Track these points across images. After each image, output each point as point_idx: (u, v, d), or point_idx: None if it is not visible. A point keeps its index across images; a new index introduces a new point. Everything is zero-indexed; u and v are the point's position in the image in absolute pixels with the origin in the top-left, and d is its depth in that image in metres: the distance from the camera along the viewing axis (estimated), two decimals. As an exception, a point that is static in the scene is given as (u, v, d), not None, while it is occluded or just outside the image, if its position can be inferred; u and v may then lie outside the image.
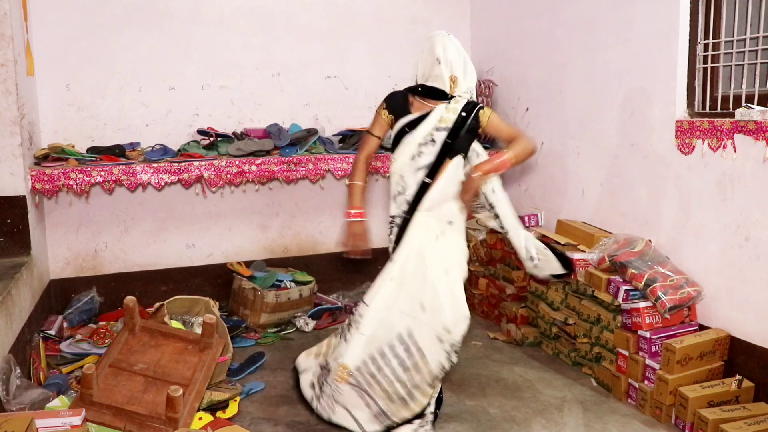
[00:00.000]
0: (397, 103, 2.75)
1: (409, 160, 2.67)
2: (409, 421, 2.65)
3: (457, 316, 2.59)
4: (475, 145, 2.77)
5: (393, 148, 2.74)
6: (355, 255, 2.77)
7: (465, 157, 2.72)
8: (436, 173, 2.65)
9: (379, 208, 4.57)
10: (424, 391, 2.62)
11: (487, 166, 2.60)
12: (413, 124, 2.67)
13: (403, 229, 2.69)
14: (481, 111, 2.68)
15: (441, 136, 2.65)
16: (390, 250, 2.75)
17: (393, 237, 2.74)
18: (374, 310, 2.62)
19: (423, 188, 2.66)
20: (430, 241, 2.65)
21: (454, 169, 2.67)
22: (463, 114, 2.65)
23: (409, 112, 2.71)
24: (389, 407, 2.61)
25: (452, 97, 2.67)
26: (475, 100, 2.74)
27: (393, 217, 2.75)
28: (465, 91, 2.69)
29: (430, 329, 2.59)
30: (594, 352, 3.24)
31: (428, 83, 2.66)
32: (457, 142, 2.66)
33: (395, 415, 2.62)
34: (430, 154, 2.65)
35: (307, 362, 2.84)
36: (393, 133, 2.75)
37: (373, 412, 2.64)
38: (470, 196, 2.63)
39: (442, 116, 2.65)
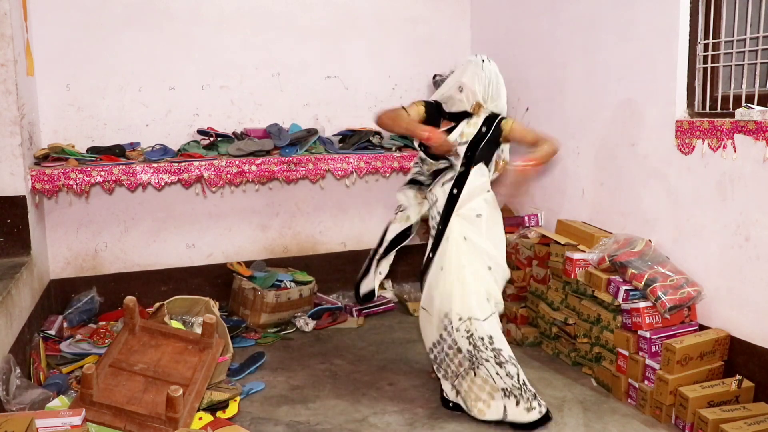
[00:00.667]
0: (433, 111, 2.98)
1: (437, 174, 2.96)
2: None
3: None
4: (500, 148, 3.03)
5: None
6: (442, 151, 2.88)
7: (488, 164, 2.98)
8: (463, 183, 2.89)
9: (379, 207, 4.59)
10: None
11: (536, 158, 2.80)
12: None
13: (438, 237, 2.92)
14: (503, 122, 2.94)
15: (462, 150, 2.89)
16: (427, 258, 2.98)
17: (430, 245, 2.97)
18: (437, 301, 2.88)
19: (451, 199, 2.90)
20: (468, 237, 2.87)
21: (478, 174, 2.91)
22: (484, 129, 2.91)
23: (438, 125, 2.96)
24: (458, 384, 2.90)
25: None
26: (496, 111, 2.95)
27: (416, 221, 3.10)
28: (491, 110, 2.95)
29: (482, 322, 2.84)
30: (594, 352, 3.24)
31: (447, 104, 2.96)
32: (478, 153, 2.90)
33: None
34: (455, 169, 2.90)
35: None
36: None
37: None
38: (521, 187, 2.90)
39: (463, 131, 2.92)
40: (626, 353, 3.00)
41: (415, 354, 3.63)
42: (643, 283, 2.95)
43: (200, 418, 2.68)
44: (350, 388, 3.22)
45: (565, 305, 3.46)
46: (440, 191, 2.93)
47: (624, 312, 3.02)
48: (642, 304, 2.94)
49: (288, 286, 4.08)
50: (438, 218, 2.93)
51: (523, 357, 3.57)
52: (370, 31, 4.53)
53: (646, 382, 2.93)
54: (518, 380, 2.78)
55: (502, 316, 3.88)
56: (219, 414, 2.82)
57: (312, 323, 4.04)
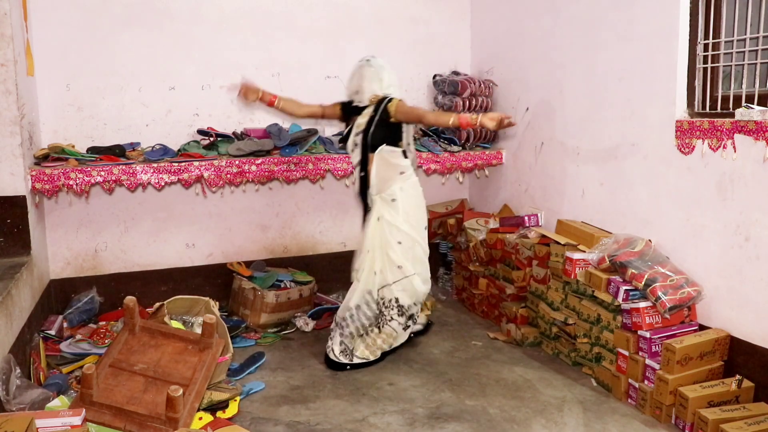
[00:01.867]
0: (347, 111, 3.52)
1: (354, 162, 3.46)
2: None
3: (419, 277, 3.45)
4: (408, 137, 3.47)
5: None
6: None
7: (394, 144, 3.37)
8: (366, 168, 3.37)
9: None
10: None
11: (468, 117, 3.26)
12: (347, 136, 3.45)
13: (365, 211, 3.47)
14: (388, 104, 3.32)
15: (359, 139, 3.37)
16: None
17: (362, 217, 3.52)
18: (362, 271, 3.42)
19: (363, 180, 3.41)
20: (385, 217, 3.36)
21: (381, 159, 3.34)
22: (373, 113, 3.33)
23: (348, 122, 3.48)
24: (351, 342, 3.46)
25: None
26: (390, 95, 3.37)
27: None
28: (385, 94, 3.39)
29: (391, 286, 3.41)
30: (594, 352, 3.24)
31: (356, 99, 3.43)
32: (371, 137, 3.32)
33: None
34: (357, 155, 3.41)
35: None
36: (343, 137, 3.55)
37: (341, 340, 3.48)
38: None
39: (358, 122, 3.37)
40: (626, 353, 3.00)
41: (415, 354, 3.63)
42: (643, 283, 2.95)
43: (200, 418, 2.68)
44: (350, 388, 3.22)
45: (565, 305, 3.46)
46: (356, 173, 3.48)
47: (624, 312, 3.02)
48: (642, 304, 2.94)
49: (288, 286, 4.08)
50: (359, 196, 3.49)
51: (523, 357, 3.57)
52: (370, 31, 4.53)
53: (646, 382, 2.93)
54: (415, 319, 3.56)
55: (501, 316, 3.87)
56: (219, 414, 2.82)
57: (312, 323, 4.04)
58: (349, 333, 3.44)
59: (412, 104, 3.56)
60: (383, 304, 3.43)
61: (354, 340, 3.45)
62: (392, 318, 3.43)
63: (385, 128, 3.34)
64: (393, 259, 3.36)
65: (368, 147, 3.35)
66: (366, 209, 3.46)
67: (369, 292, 3.42)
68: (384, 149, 3.35)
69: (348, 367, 3.40)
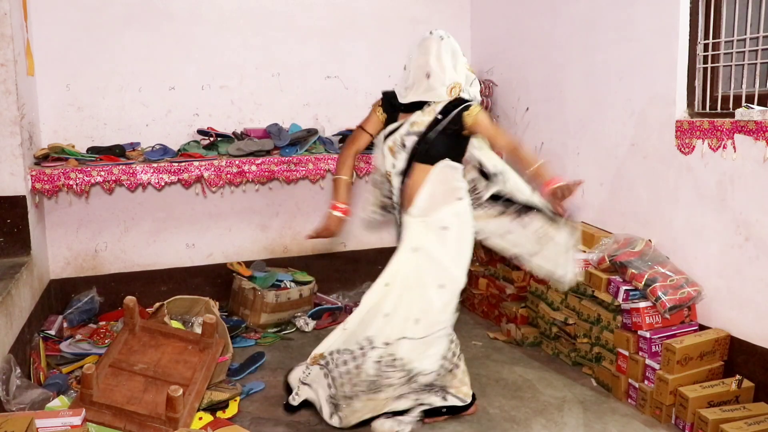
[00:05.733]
0: (389, 111, 2.70)
1: (390, 165, 2.67)
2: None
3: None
4: (479, 154, 2.71)
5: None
6: (317, 237, 2.75)
7: (457, 159, 2.63)
8: (407, 178, 2.61)
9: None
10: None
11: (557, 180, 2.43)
12: (394, 131, 2.64)
13: (398, 233, 2.73)
14: (465, 112, 2.53)
15: (411, 140, 2.57)
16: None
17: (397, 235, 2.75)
18: (363, 309, 2.59)
19: (402, 193, 2.66)
20: (426, 249, 2.57)
21: (440, 175, 2.57)
22: (439, 116, 2.54)
23: (396, 119, 2.67)
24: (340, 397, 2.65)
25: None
26: (465, 97, 2.60)
27: (376, 213, 2.90)
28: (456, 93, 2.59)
29: (416, 341, 2.58)
30: (594, 352, 3.24)
31: (416, 96, 2.57)
32: (430, 146, 2.55)
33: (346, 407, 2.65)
34: (402, 160, 2.61)
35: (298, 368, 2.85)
36: (382, 136, 2.71)
37: (329, 394, 2.67)
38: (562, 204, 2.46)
39: (416, 120, 2.58)
40: (626, 353, 3.00)
41: (415, 354, 3.62)
42: (643, 283, 2.95)
43: (200, 418, 2.68)
44: (350, 388, 3.21)
45: (565, 305, 3.46)
46: (395, 180, 2.67)
47: (624, 312, 3.02)
48: (642, 304, 2.94)
49: (288, 286, 4.08)
50: (397, 211, 2.73)
51: (523, 357, 3.57)
52: (370, 31, 4.53)
53: (646, 382, 2.93)
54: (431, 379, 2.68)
55: (501, 316, 3.86)
56: (219, 414, 2.82)
57: (312, 323, 4.04)
58: (327, 384, 2.68)
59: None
60: (385, 362, 2.57)
61: (338, 398, 2.64)
62: (391, 384, 2.60)
63: (450, 138, 2.55)
64: (429, 307, 2.54)
65: (421, 155, 2.56)
66: (399, 231, 2.71)
67: (368, 338, 2.58)
68: (448, 164, 2.57)
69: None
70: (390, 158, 2.64)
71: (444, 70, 2.53)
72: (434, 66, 2.53)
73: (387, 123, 2.69)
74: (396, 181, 2.66)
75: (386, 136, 2.66)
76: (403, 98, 2.61)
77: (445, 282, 2.58)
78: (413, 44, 2.63)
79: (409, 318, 2.55)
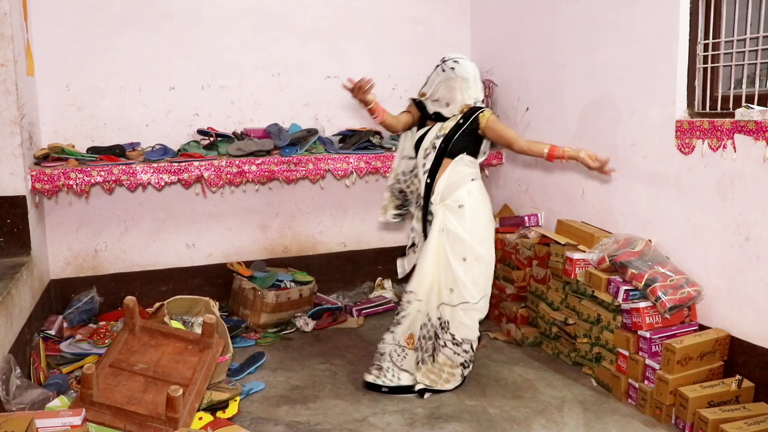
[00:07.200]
0: (421, 109, 3.21)
1: (421, 166, 3.14)
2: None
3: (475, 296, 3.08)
4: (486, 149, 3.19)
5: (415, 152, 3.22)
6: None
7: (472, 154, 3.11)
8: (436, 174, 3.08)
9: (379, 207, 4.57)
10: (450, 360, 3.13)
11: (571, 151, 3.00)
12: (423, 137, 3.14)
13: (424, 221, 3.16)
14: (480, 114, 3.07)
15: (439, 143, 3.09)
16: (416, 241, 3.24)
17: (418, 228, 3.22)
18: (418, 290, 3.08)
19: (427, 188, 3.11)
20: (448, 228, 3.03)
21: (459, 164, 3.07)
22: (461, 121, 3.07)
23: (425, 123, 3.18)
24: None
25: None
26: (479, 105, 3.11)
27: (403, 213, 3.36)
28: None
29: (454, 308, 3.06)
30: (594, 352, 3.24)
31: (441, 108, 3.11)
32: (452, 144, 3.06)
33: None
34: (431, 160, 3.10)
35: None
36: (413, 141, 3.20)
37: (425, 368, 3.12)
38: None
39: (444, 125, 3.10)
40: (626, 353, 3.00)
41: (415, 354, 3.63)
42: (643, 283, 2.95)
43: (200, 418, 2.68)
44: (350, 388, 3.22)
45: (565, 305, 3.46)
46: (422, 179, 3.14)
47: (624, 312, 3.02)
48: (642, 304, 2.94)
49: (288, 286, 4.08)
50: (420, 204, 3.18)
51: (523, 357, 3.57)
52: (370, 31, 4.53)
53: (646, 382, 2.93)
54: (468, 362, 3.16)
55: (501, 316, 3.88)
56: (219, 414, 2.82)
57: (312, 323, 4.04)
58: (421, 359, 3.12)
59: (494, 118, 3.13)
60: (440, 325, 3.09)
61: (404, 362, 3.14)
62: (445, 344, 3.09)
63: (469, 137, 3.07)
64: (456, 278, 3.02)
65: (447, 153, 3.06)
66: (425, 223, 3.14)
67: (428, 312, 3.10)
68: (465, 158, 3.08)
69: (384, 389, 3.12)
70: (422, 160, 3.13)
71: (458, 102, 3.10)
72: (454, 98, 3.09)
73: (417, 122, 3.22)
74: (424, 180, 3.12)
75: (419, 140, 3.15)
76: (431, 110, 3.16)
77: (467, 255, 3.02)
78: (437, 74, 3.12)
79: (445, 287, 3.06)
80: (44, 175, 3.45)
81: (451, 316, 3.06)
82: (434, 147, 3.08)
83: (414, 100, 3.24)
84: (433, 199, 3.08)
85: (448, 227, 3.03)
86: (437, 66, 3.13)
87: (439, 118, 3.12)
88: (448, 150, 3.05)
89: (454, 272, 3.02)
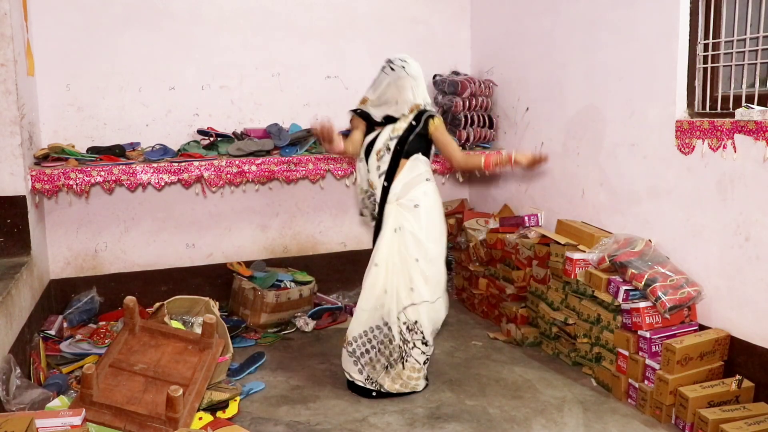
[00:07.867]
0: (367, 121, 3.21)
1: (374, 169, 3.14)
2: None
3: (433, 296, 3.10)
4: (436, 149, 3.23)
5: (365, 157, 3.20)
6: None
7: (425, 154, 3.16)
8: (393, 176, 3.09)
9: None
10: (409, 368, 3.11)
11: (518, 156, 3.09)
12: (374, 140, 3.15)
13: (379, 222, 3.15)
14: (430, 120, 3.12)
15: (393, 144, 3.10)
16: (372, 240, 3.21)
17: (373, 230, 3.22)
18: (366, 289, 3.10)
19: (384, 191, 3.12)
20: (404, 227, 3.06)
21: (413, 165, 3.11)
22: (413, 123, 3.10)
23: (372, 129, 3.19)
24: (373, 374, 3.12)
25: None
26: (428, 108, 3.15)
27: (363, 214, 3.31)
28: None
29: (418, 306, 3.06)
30: (594, 352, 3.24)
31: (387, 111, 3.14)
32: (408, 146, 3.09)
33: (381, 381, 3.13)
34: (386, 162, 3.11)
35: None
36: (363, 147, 3.19)
37: (364, 377, 3.12)
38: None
39: (396, 127, 3.12)
40: (626, 353, 3.00)
41: (415, 354, 3.63)
42: (643, 283, 2.95)
43: (200, 418, 2.68)
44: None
45: (565, 305, 3.46)
46: (378, 182, 3.14)
47: (624, 312, 3.02)
48: (642, 304, 2.94)
49: (288, 286, 4.08)
50: (376, 207, 3.18)
51: (523, 357, 3.57)
52: (370, 31, 4.53)
53: (646, 382, 2.93)
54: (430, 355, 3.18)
55: (501, 316, 3.87)
56: (219, 414, 2.82)
57: (312, 323, 4.04)
58: (365, 362, 3.12)
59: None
60: (407, 327, 3.07)
61: (376, 371, 3.11)
62: (414, 345, 3.08)
63: (421, 139, 3.11)
64: (413, 277, 3.04)
65: (403, 153, 3.08)
66: (379, 221, 3.15)
67: (382, 316, 3.09)
68: (420, 157, 3.12)
69: (374, 394, 3.10)
70: (375, 163, 3.13)
71: (407, 101, 3.12)
72: (405, 97, 3.12)
73: (365, 131, 3.22)
74: (380, 183, 3.13)
75: (369, 144, 3.16)
76: (377, 116, 3.18)
77: (421, 255, 3.06)
78: (386, 74, 3.14)
79: (405, 287, 3.06)
80: (44, 175, 3.45)
81: (419, 314, 3.06)
82: (388, 149, 3.10)
83: (355, 111, 3.24)
84: (389, 198, 3.10)
85: (404, 226, 3.05)
86: (383, 68, 3.15)
87: (389, 120, 3.14)
88: (404, 151, 3.09)
89: (410, 271, 3.05)
